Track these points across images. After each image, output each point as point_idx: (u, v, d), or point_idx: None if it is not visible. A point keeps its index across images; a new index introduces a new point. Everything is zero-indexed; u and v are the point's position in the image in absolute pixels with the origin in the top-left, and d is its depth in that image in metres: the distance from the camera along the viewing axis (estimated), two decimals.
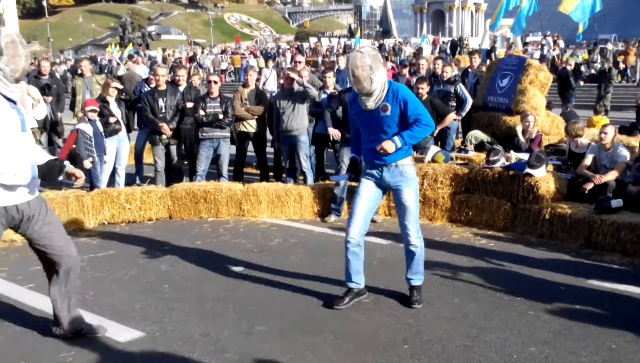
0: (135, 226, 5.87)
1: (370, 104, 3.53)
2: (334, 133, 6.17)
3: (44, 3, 58.53)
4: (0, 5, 61.97)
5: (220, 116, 6.57)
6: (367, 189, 3.75)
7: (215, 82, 6.70)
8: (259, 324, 3.56)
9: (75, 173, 3.22)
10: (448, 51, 26.59)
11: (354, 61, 3.39)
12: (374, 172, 3.72)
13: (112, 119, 6.60)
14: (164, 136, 6.74)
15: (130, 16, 65.75)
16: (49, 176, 3.18)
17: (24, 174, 2.94)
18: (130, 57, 19.87)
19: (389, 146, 3.51)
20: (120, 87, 7.15)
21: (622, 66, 19.90)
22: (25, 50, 2.93)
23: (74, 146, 6.08)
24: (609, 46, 21.29)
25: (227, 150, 6.78)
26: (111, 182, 6.73)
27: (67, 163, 3.26)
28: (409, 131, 3.50)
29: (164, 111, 6.70)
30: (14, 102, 2.95)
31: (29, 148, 3.05)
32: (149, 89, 7.30)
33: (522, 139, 6.67)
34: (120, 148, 6.77)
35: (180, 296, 4.03)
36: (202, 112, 6.54)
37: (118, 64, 23.57)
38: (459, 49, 26.96)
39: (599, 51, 19.17)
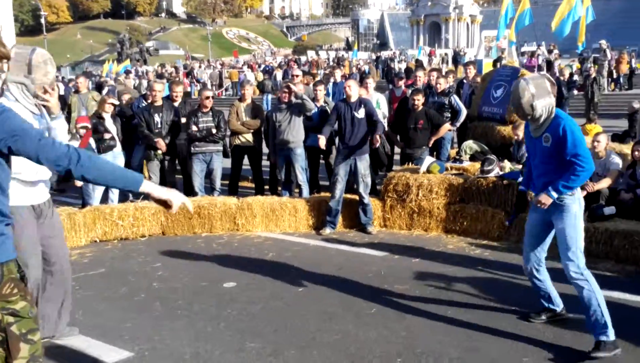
0: (128, 243, 5.84)
1: (536, 131, 3.44)
2: (322, 144, 6.00)
3: (42, 20, 58.85)
4: None
5: (213, 130, 6.57)
6: (532, 224, 3.62)
7: (208, 98, 6.72)
8: (252, 341, 3.52)
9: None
10: (449, 62, 26.78)
11: (516, 88, 3.34)
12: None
13: (107, 135, 6.59)
14: (159, 152, 6.73)
15: (129, 32, 66.20)
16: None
17: (45, 172, 3.22)
18: (127, 72, 19.92)
19: (545, 199, 3.37)
20: (117, 103, 7.15)
21: (614, 74, 19.97)
22: (54, 69, 3.27)
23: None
24: (608, 54, 21.35)
25: (220, 164, 6.78)
26: (105, 199, 6.70)
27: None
28: (564, 180, 3.28)
29: (159, 126, 6.70)
30: (37, 114, 3.27)
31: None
32: (145, 104, 7.31)
33: (522, 149, 6.61)
34: None
35: (172, 315, 3.98)
36: (194, 127, 6.55)
37: (113, 79, 23.60)
38: (460, 59, 27.14)
39: (592, 60, 19.33)
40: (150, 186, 2.17)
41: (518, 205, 3.87)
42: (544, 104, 3.29)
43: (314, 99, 6.87)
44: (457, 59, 27.24)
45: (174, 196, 2.19)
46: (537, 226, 3.57)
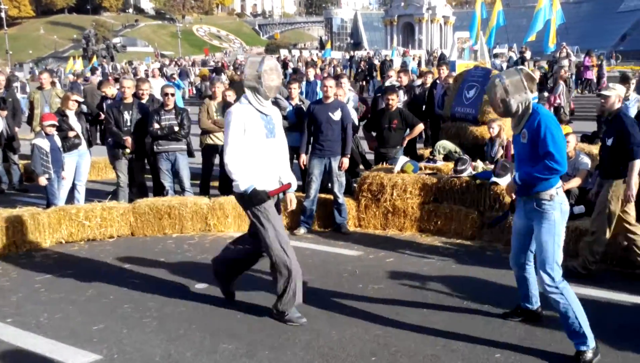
0: (95, 245, 5.66)
1: (516, 128, 3.36)
2: (301, 163, 6.18)
3: (2, 14, 56.62)
4: None
5: (176, 128, 6.43)
6: (516, 224, 3.53)
7: (173, 95, 6.57)
8: (225, 342, 3.46)
9: None
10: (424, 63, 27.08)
11: (490, 84, 3.32)
12: (521, 203, 3.43)
13: (71, 134, 6.39)
14: (127, 150, 6.55)
15: (95, 28, 64.43)
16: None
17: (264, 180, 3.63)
18: (92, 70, 19.40)
19: (508, 187, 3.44)
20: (81, 100, 6.95)
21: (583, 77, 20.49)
22: (279, 75, 3.70)
23: None
24: (572, 57, 21.92)
25: (186, 164, 6.63)
26: (70, 199, 6.49)
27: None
28: (532, 170, 3.20)
29: (129, 124, 6.52)
30: (265, 115, 3.69)
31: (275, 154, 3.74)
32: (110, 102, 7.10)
33: (496, 146, 6.69)
34: (80, 163, 6.54)
35: (142, 317, 3.87)
36: (156, 125, 6.40)
37: (76, 76, 22.98)
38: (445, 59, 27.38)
39: (549, 64, 19.83)
40: None
41: (512, 206, 3.63)
42: (519, 100, 3.23)
43: (289, 98, 6.81)
44: (443, 59, 27.51)
45: None
46: (521, 228, 3.49)
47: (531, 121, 3.23)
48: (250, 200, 3.61)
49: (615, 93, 4.50)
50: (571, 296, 3.19)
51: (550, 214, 3.23)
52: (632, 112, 6.19)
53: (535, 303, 3.66)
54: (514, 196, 3.42)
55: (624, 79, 7.10)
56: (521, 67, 3.40)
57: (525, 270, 3.55)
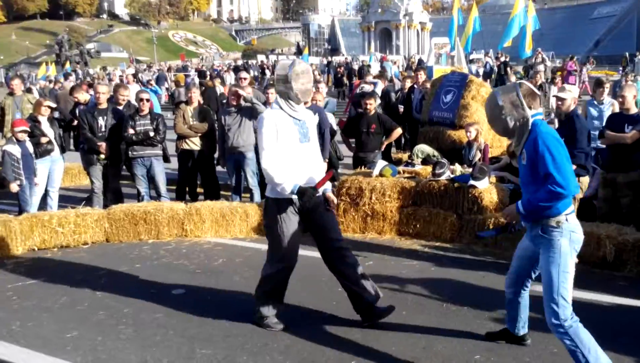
0: (69, 251, 5.53)
1: (516, 149, 3.09)
2: None
3: None
4: None
5: (151, 134, 6.36)
6: (523, 244, 3.22)
7: (148, 100, 6.50)
8: (202, 348, 3.41)
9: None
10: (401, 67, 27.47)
11: (486, 101, 3.10)
12: (528, 226, 3.11)
13: (43, 140, 6.27)
14: (101, 156, 6.44)
15: (68, 33, 63.21)
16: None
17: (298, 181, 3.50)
18: (66, 75, 19.08)
19: (509, 210, 3.11)
20: (53, 105, 6.82)
21: (560, 82, 20.96)
22: (310, 79, 3.58)
23: None
24: (547, 63, 22.39)
25: (161, 169, 6.58)
26: (43, 205, 6.34)
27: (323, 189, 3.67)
28: (535, 197, 2.89)
29: (103, 130, 6.43)
30: (298, 120, 3.58)
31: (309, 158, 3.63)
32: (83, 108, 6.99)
33: (473, 150, 6.78)
34: (53, 169, 6.42)
35: (117, 324, 3.79)
36: (131, 131, 6.32)
37: (51, 82, 22.54)
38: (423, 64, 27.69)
39: (524, 69, 20.23)
40: None
41: (505, 227, 3.35)
42: (516, 117, 2.96)
43: (266, 103, 6.79)
44: (421, 64, 27.90)
45: None
46: (526, 249, 3.19)
47: (529, 140, 2.94)
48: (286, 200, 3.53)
49: (571, 96, 4.62)
50: (581, 337, 2.84)
51: (557, 241, 2.90)
52: (607, 115, 6.40)
53: (522, 329, 3.39)
54: (509, 220, 3.20)
55: (598, 84, 7.30)
56: (520, 81, 3.16)
57: (519, 294, 3.30)
